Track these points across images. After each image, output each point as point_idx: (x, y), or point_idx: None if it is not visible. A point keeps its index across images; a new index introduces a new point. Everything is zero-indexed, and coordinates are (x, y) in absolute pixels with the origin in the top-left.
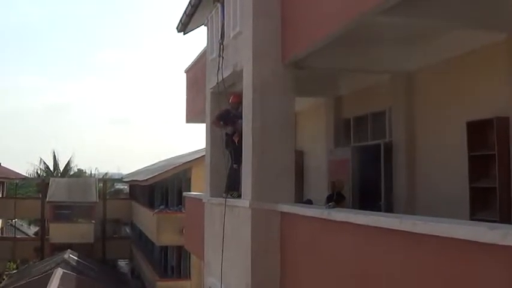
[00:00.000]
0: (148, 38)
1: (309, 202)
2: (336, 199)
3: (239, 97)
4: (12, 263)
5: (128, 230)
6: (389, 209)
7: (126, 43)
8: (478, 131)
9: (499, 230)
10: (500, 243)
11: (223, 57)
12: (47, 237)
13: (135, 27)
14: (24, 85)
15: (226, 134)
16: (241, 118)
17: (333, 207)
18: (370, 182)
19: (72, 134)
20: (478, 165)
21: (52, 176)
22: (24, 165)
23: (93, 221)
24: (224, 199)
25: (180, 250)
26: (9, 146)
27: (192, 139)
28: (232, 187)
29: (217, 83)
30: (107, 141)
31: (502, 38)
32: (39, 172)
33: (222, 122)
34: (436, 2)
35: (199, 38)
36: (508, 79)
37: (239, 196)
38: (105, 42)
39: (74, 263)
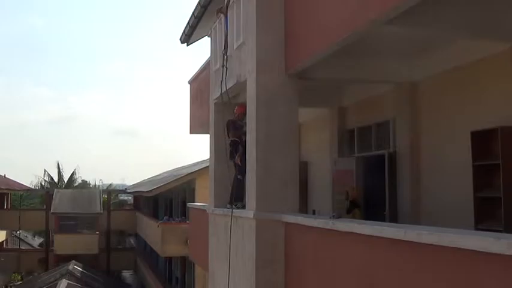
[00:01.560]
0: (153, 50)
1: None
2: (349, 208)
3: (244, 107)
4: (17, 275)
5: (132, 241)
6: (393, 218)
7: (131, 55)
8: (482, 140)
9: (505, 240)
10: (506, 253)
11: (227, 68)
12: (51, 248)
13: (141, 40)
14: (30, 97)
15: (231, 145)
16: (245, 129)
17: (338, 217)
18: (375, 192)
19: (76, 145)
20: (483, 175)
21: (56, 187)
22: (29, 177)
23: (98, 232)
24: (228, 210)
25: (184, 261)
26: (14, 157)
27: (196, 150)
28: (237, 198)
29: (221, 93)
30: (111, 152)
31: (506, 48)
32: (43, 184)
33: (227, 134)
34: (440, 12)
35: (203, 49)
36: None
37: (243, 207)
38: (111, 54)
39: (79, 274)
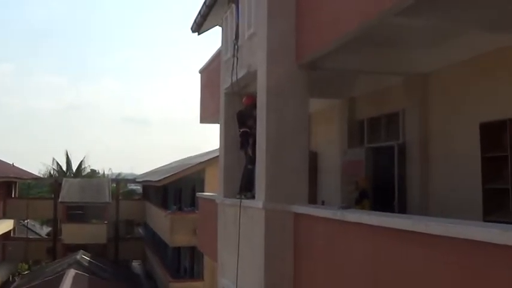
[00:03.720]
0: (165, 38)
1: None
2: (358, 198)
3: (252, 98)
4: (24, 264)
5: (140, 230)
6: (402, 209)
7: (143, 44)
8: (491, 132)
9: None
10: None
11: (237, 58)
12: (59, 237)
13: (153, 27)
14: (40, 84)
15: (241, 135)
16: (255, 119)
17: (347, 207)
18: (384, 183)
19: (86, 134)
20: (491, 167)
21: (65, 176)
22: (37, 165)
23: (106, 222)
24: (238, 200)
25: (193, 251)
26: (22, 145)
27: (207, 139)
28: (246, 188)
29: (232, 83)
30: (121, 141)
31: None
32: (52, 172)
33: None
34: (452, 4)
35: (215, 39)
36: None
37: (253, 197)
38: (123, 43)
39: (87, 264)
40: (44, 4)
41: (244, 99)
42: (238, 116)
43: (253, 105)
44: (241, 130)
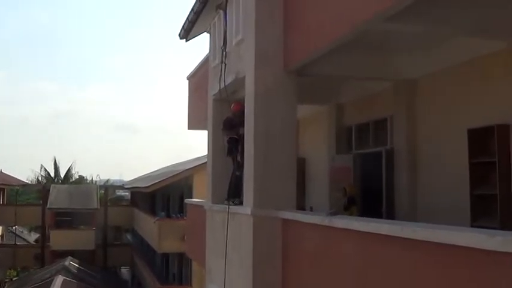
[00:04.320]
0: (154, 44)
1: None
2: (346, 205)
3: (241, 105)
4: (12, 270)
5: (129, 237)
6: (390, 215)
7: (132, 51)
8: (479, 138)
9: (499, 237)
10: (500, 250)
11: (225, 64)
12: (47, 244)
13: (141, 34)
14: (30, 91)
15: (229, 142)
16: (243, 126)
17: (335, 214)
18: (372, 188)
19: (74, 140)
20: (479, 172)
21: (53, 182)
22: (26, 172)
23: (94, 228)
24: (226, 206)
25: (181, 257)
26: (11, 152)
27: (195, 146)
28: (234, 194)
29: (220, 89)
30: (109, 147)
31: (503, 47)
32: (40, 179)
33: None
34: (438, 10)
35: (203, 45)
36: (509, 87)
37: (241, 203)
38: (112, 49)
39: (75, 270)
40: (34, 11)
41: (232, 106)
42: (226, 122)
43: (241, 112)
44: (229, 136)
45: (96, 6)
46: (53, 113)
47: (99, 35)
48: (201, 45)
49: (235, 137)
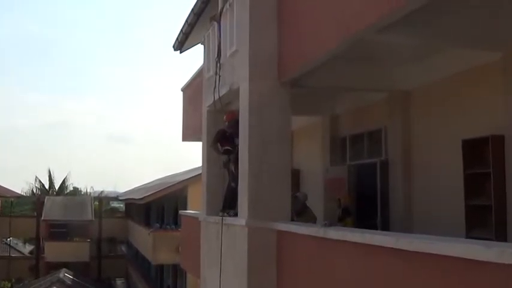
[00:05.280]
0: (148, 56)
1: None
2: (341, 216)
3: (233, 115)
4: (7, 282)
5: (123, 248)
6: (385, 226)
7: (126, 62)
8: (473, 149)
9: (495, 248)
10: (497, 262)
11: (220, 76)
12: (42, 255)
13: (135, 45)
14: (23, 102)
15: (223, 153)
16: (237, 137)
17: (330, 225)
18: (367, 199)
19: (69, 151)
20: (474, 183)
21: (47, 194)
22: (20, 184)
23: (89, 240)
24: (220, 217)
25: (176, 269)
26: (5, 164)
27: (189, 157)
28: (230, 205)
29: (214, 101)
30: (104, 159)
31: (497, 57)
32: (34, 190)
33: (218, 144)
34: (432, 21)
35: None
36: (503, 98)
37: (235, 215)
38: (106, 61)
39: (69, 282)
40: (25, 22)
41: (225, 116)
42: (220, 134)
43: (234, 123)
44: (224, 148)
45: (89, 18)
46: (46, 124)
47: (93, 46)
48: (195, 56)
49: (229, 148)
